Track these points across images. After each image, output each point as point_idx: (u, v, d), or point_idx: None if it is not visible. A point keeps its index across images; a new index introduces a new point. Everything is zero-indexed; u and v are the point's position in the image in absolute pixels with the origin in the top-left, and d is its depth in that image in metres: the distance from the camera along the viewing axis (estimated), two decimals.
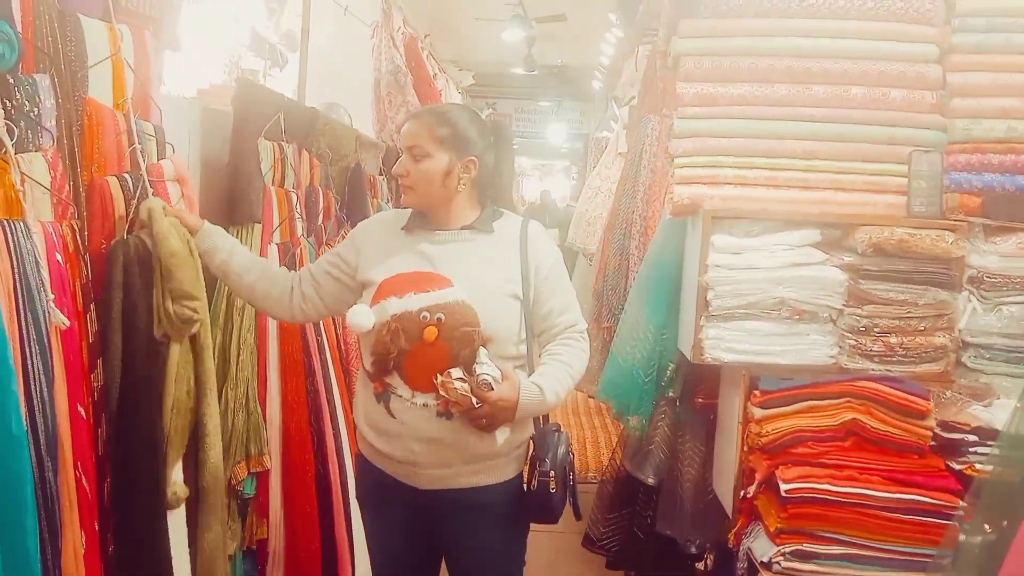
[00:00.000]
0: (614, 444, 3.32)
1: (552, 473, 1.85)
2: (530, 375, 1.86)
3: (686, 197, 2.26)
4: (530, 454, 1.92)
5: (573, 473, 1.92)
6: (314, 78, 3.83)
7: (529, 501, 1.89)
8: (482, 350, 1.78)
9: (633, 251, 3.71)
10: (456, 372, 1.76)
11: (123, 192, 1.68)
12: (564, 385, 1.88)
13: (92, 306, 1.56)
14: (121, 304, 1.58)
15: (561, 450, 1.89)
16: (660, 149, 3.59)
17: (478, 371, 1.76)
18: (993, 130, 2.17)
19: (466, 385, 1.75)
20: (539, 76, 9.60)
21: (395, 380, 1.81)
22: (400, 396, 1.81)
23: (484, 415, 1.77)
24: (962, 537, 1.88)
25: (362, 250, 1.93)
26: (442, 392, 1.76)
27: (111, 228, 1.64)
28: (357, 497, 2.09)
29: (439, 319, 1.77)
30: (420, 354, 1.78)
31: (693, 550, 2.58)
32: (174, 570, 1.66)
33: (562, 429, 1.93)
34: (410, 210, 1.95)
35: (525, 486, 1.91)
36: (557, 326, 1.93)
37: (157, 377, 1.65)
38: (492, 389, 1.76)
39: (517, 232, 1.93)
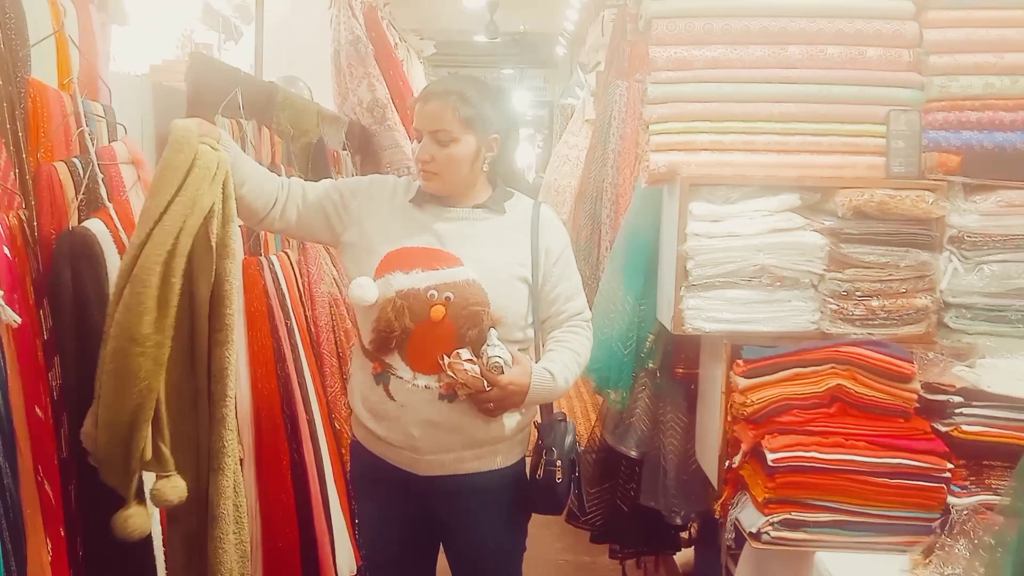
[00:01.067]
0: (591, 414, 3.30)
1: (559, 463, 1.82)
2: (536, 361, 1.82)
3: (662, 164, 2.20)
4: (535, 442, 1.89)
5: (579, 464, 1.89)
6: (271, 51, 3.71)
7: (535, 491, 1.86)
8: (492, 331, 1.73)
9: (605, 220, 3.66)
10: (465, 353, 1.71)
11: (72, 178, 1.59)
12: (573, 373, 1.84)
13: (45, 301, 1.48)
14: (72, 299, 1.49)
15: (568, 440, 1.86)
16: (629, 115, 3.54)
17: (489, 353, 1.71)
18: (970, 87, 2.13)
19: (476, 367, 1.69)
20: (502, 43, 9.47)
21: (395, 360, 1.75)
22: (400, 377, 1.75)
23: (493, 399, 1.72)
24: (951, 500, 1.89)
25: (365, 208, 1.85)
26: (450, 373, 1.70)
27: (61, 217, 1.55)
28: (351, 485, 2.04)
29: (447, 298, 1.71)
30: (424, 334, 1.72)
31: (678, 521, 2.56)
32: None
33: (567, 418, 1.89)
34: (417, 182, 1.87)
35: (529, 474, 1.87)
36: (564, 312, 1.89)
37: None
38: (503, 372, 1.70)
39: (528, 214, 1.88)
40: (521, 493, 1.89)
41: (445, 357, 1.72)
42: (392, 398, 1.77)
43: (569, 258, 1.92)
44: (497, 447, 1.84)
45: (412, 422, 1.76)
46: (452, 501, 1.85)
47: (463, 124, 1.76)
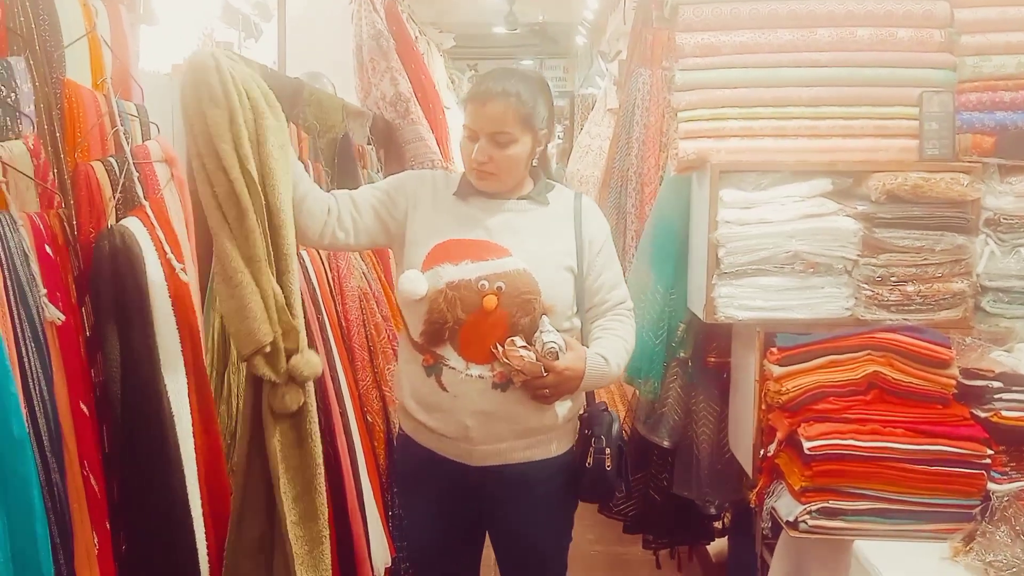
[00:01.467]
0: (619, 405, 3.29)
1: (608, 450, 1.84)
2: None
3: (691, 152, 2.19)
4: (582, 431, 1.90)
5: (625, 451, 1.92)
6: (293, 48, 3.72)
7: (585, 479, 1.87)
8: (545, 318, 1.74)
9: (630, 209, 3.64)
10: (519, 341, 1.71)
11: (109, 177, 1.60)
12: (623, 359, 1.85)
13: (87, 299, 1.49)
14: (112, 297, 1.50)
15: (616, 428, 1.88)
16: (653, 103, 3.51)
17: (544, 339, 1.71)
18: (1004, 66, 2.11)
19: (531, 354, 1.70)
20: (521, 34, 9.42)
21: (447, 351, 1.76)
22: (453, 368, 1.76)
23: (549, 385, 1.73)
24: (992, 486, 1.87)
25: (412, 204, 1.85)
26: (504, 361, 1.71)
27: (100, 215, 1.56)
28: (397, 479, 2.05)
29: (499, 287, 1.72)
30: (477, 324, 1.73)
31: (712, 510, 2.56)
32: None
33: (608, 408, 1.91)
34: (459, 174, 1.88)
35: (577, 462, 1.89)
36: (608, 301, 1.89)
37: (155, 369, 1.58)
38: (558, 358, 1.71)
39: (571, 205, 1.89)
40: (571, 481, 1.90)
41: (499, 346, 1.72)
42: (445, 389, 1.78)
43: (611, 248, 1.93)
44: (549, 435, 1.85)
45: (465, 412, 1.77)
46: (505, 491, 1.86)
47: (522, 124, 1.76)
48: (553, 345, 1.71)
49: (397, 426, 2.63)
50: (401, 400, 1.91)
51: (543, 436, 1.84)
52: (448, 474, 1.85)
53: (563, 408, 1.84)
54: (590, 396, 1.94)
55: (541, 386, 1.72)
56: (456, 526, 1.93)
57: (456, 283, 1.73)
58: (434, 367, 1.78)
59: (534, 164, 1.86)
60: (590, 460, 1.85)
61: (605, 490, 1.91)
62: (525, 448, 1.83)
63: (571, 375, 1.74)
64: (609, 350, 1.82)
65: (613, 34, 5.36)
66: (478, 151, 1.77)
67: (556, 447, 1.87)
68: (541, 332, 1.73)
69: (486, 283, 1.73)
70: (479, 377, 1.75)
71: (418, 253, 1.79)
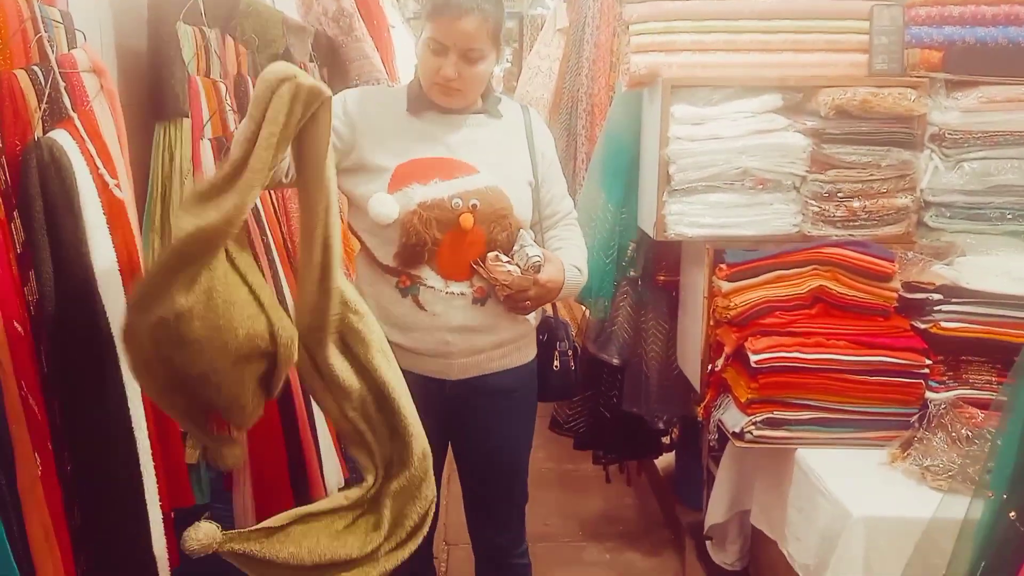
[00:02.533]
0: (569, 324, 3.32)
1: (570, 352, 1.98)
2: None
3: (643, 66, 2.16)
4: (538, 338, 1.98)
5: (578, 354, 2.05)
6: None
7: (552, 380, 1.98)
8: (523, 233, 1.77)
9: (580, 131, 3.60)
10: (503, 256, 1.74)
11: (34, 87, 1.51)
12: (586, 267, 1.92)
13: (15, 214, 1.42)
14: (43, 212, 1.43)
15: (571, 332, 2.00)
16: (603, 22, 3.45)
17: (530, 253, 1.73)
18: None
19: (516, 268, 1.73)
20: None
21: (425, 272, 1.75)
22: (432, 287, 1.75)
23: (532, 297, 1.76)
24: (929, 395, 1.93)
25: (359, 128, 1.78)
26: (490, 276, 1.73)
27: (25, 127, 1.48)
28: None
29: (474, 205, 1.71)
30: (455, 242, 1.72)
31: (660, 425, 2.60)
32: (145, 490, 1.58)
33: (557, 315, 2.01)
34: (404, 88, 1.83)
35: (542, 367, 1.98)
36: (559, 212, 1.93)
37: (91, 287, 1.53)
38: (539, 271, 1.75)
39: (520, 117, 1.88)
40: (539, 386, 1.98)
41: (483, 261, 1.74)
42: (423, 308, 1.77)
43: (556, 159, 1.95)
44: (519, 343, 1.89)
45: (446, 329, 1.78)
46: (481, 400, 1.88)
47: (491, 40, 1.73)
48: (537, 259, 1.74)
49: None
50: None
51: (514, 344, 1.88)
52: (422, 391, 1.85)
53: (532, 316, 1.89)
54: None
55: (524, 299, 1.75)
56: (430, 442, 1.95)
57: (428, 203, 1.70)
58: (411, 288, 1.77)
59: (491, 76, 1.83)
60: (557, 363, 1.95)
61: (570, 389, 2.03)
62: (502, 357, 1.87)
63: (553, 286, 1.78)
64: (579, 259, 1.88)
65: None
66: (446, 66, 1.71)
67: (525, 354, 1.93)
68: (523, 246, 1.75)
69: (459, 201, 1.71)
70: (460, 294, 1.76)
71: (382, 178, 1.74)
